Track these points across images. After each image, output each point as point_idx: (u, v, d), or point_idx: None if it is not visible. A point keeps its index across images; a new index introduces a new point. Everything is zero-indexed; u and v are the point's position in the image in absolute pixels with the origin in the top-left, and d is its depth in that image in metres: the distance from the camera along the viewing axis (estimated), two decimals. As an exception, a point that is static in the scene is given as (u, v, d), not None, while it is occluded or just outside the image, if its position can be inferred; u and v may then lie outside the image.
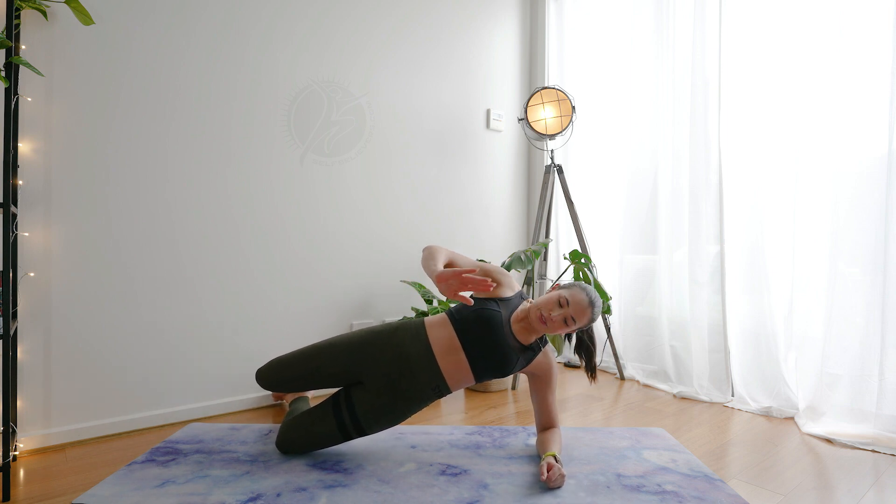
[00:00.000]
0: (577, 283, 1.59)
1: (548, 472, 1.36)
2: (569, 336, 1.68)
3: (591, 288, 1.56)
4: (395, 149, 2.61)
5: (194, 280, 2.01)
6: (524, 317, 1.57)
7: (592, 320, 1.55)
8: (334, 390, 2.07)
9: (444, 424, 1.95)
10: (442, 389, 1.57)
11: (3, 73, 1.45)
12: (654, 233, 2.67)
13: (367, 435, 1.58)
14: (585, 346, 1.66)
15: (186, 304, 2.00)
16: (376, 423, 1.55)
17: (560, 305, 1.51)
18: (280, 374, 1.62)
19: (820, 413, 1.95)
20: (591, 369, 1.67)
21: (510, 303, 1.60)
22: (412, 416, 2.03)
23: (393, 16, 2.59)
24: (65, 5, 1.68)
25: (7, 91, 1.42)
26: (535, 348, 1.60)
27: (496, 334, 1.53)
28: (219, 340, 2.07)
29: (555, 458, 1.46)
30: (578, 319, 1.51)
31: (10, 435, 1.43)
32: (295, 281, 2.27)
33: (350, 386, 1.58)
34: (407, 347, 1.55)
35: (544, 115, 2.67)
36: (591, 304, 1.53)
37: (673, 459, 1.59)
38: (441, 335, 1.56)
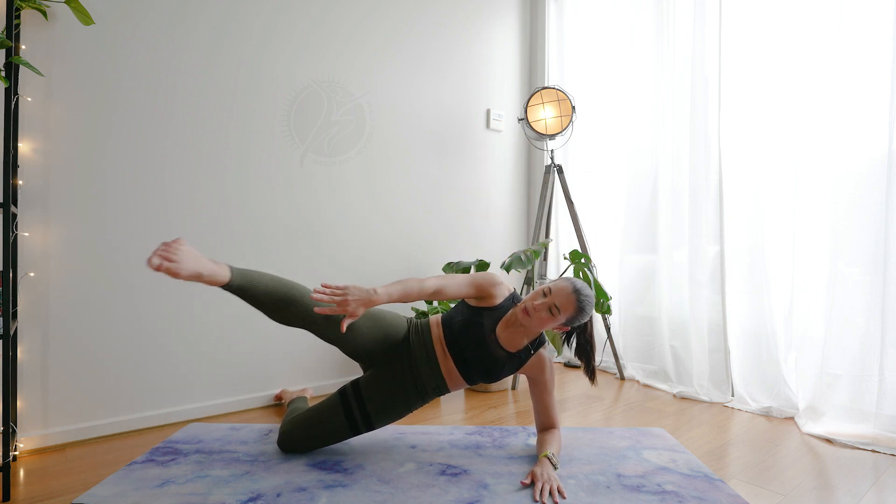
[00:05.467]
0: (565, 276, 1.58)
1: (540, 496, 1.32)
2: (568, 339, 1.66)
3: (578, 280, 1.52)
4: (395, 149, 2.61)
5: (194, 280, 2.01)
6: (512, 321, 1.54)
7: (581, 310, 1.48)
8: (332, 388, 2.07)
9: (444, 424, 1.95)
10: (441, 389, 1.59)
11: (3, 73, 1.45)
12: (654, 233, 2.67)
13: (374, 429, 1.59)
14: (584, 349, 1.62)
15: (186, 303, 2.00)
16: (384, 417, 1.57)
17: (544, 295, 1.48)
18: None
19: (820, 413, 1.95)
20: (590, 372, 1.64)
21: (496, 311, 1.56)
22: (413, 416, 2.04)
23: (393, 15, 2.59)
24: (65, 5, 1.68)
25: (7, 91, 1.42)
26: (523, 355, 1.58)
27: (478, 345, 1.53)
28: (219, 340, 2.07)
29: (548, 457, 1.46)
30: (563, 308, 1.46)
31: (10, 435, 1.43)
32: (294, 281, 2.27)
33: (356, 380, 1.60)
34: (413, 347, 1.58)
35: (544, 115, 2.67)
36: (576, 291, 1.47)
37: (673, 459, 1.59)
38: (437, 337, 1.59)
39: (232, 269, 1.43)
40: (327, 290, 1.34)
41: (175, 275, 1.29)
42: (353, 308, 1.34)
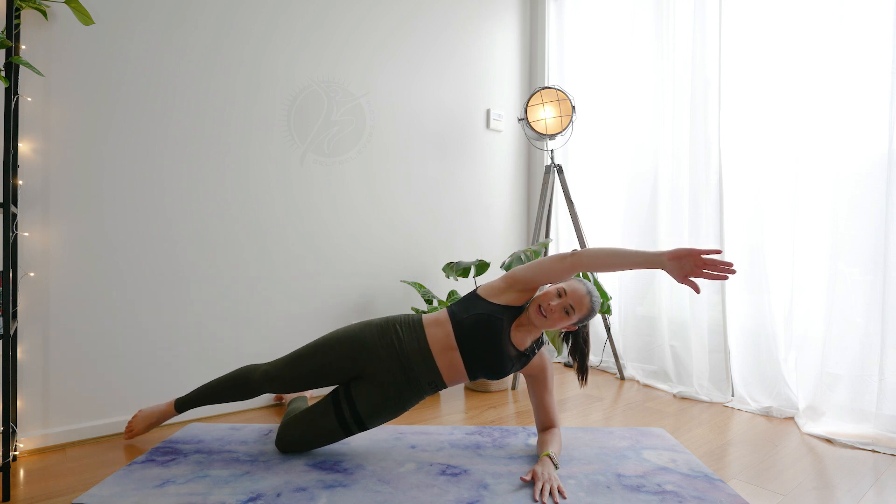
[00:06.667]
0: (574, 278, 1.60)
1: (540, 495, 1.32)
2: (566, 338, 1.68)
3: (587, 281, 1.56)
4: (394, 149, 2.61)
5: (193, 280, 2.01)
6: (524, 321, 1.57)
7: (592, 311, 1.53)
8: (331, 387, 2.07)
9: (444, 424, 1.95)
10: (438, 385, 1.59)
11: (3, 73, 1.45)
12: (654, 233, 2.66)
13: (367, 429, 1.59)
14: (580, 349, 1.66)
15: (186, 304, 2.00)
16: (376, 418, 1.56)
17: (559, 296, 1.51)
18: (284, 373, 1.60)
19: (820, 413, 1.95)
20: (583, 372, 1.68)
21: (516, 310, 1.58)
22: (412, 416, 2.04)
23: (392, 15, 2.59)
24: (65, 5, 1.68)
25: (7, 91, 1.42)
26: (530, 354, 1.60)
27: (493, 341, 1.53)
28: (218, 341, 2.07)
29: (549, 457, 1.46)
30: (578, 309, 1.50)
31: (10, 435, 1.43)
32: (294, 282, 2.27)
33: (349, 381, 1.59)
34: (405, 344, 1.56)
35: (544, 115, 2.67)
36: (589, 293, 1.52)
37: (673, 459, 1.59)
38: (438, 332, 1.57)
39: (177, 401, 1.75)
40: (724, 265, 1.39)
41: (138, 435, 1.77)
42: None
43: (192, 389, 2.00)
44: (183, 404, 1.73)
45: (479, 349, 1.54)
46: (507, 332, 1.55)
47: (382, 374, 1.55)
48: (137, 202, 1.89)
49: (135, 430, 1.74)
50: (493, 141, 3.07)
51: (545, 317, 1.49)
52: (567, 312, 1.50)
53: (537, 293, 1.57)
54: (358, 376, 1.58)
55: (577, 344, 1.66)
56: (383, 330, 1.59)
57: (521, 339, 1.57)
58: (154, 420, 1.75)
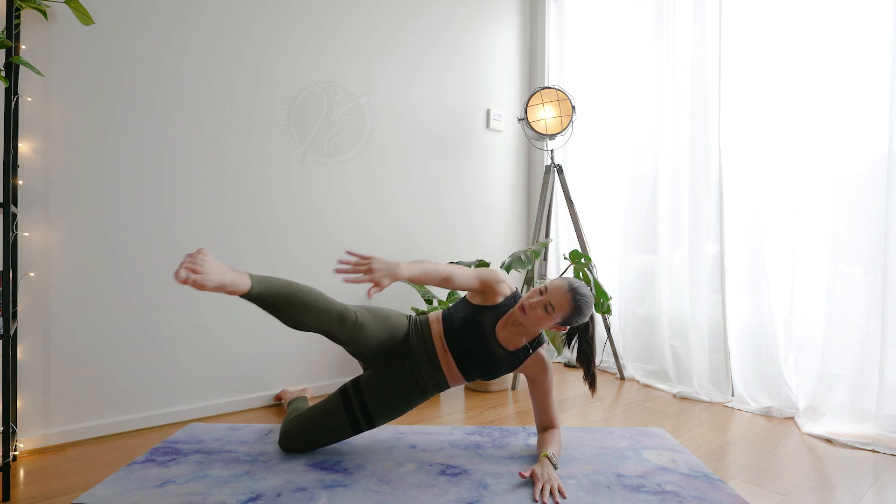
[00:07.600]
0: (563, 276, 1.58)
1: (540, 495, 1.32)
2: (569, 340, 1.66)
3: (577, 280, 1.52)
4: (394, 149, 2.61)
5: (194, 280, 2.01)
6: (511, 319, 1.55)
7: (577, 310, 1.48)
8: (332, 388, 2.07)
9: (444, 424, 1.95)
10: (441, 384, 1.61)
11: (3, 73, 1.45)
12: (654, 233, 2.67)
13: (375, 426, 1.60)
14: (584, 355, 1.61)
15: (186, 303, 2.00)
16: (386, 414, 1.58)
17: (540, 293, 1.49)
18: (370, 325, 1.52)
19: (820, 413, 1.95)
20: (590, 378, 1.61)
21: (497, 310, 1.57)
22: (412, 416, 2.04)
23: (392, 15, 2.59)
24: (65, 5, 1.68)
25: (7, 91, 1.42)
26: (521, 354, 1.58)
27: (478, 342, 1.54)
28: (219, 341, 2.07)
29: (549, 457, 1.46)
30: (558, 307, 1.46)
31: (10, 435, 1.43)
32: (308, 285, 2.27)
33: (357, 378, 1.61)
34: (415, 341, 1.59)
35: (544, 115, 2.67)
36: (572, 290, 1.47)
37: (673, 459, 1.59)
38: (437, 335, 1.60)
39: (252, 277, 1.39)
40: (352, 259, 1.36)
41: (201, 287, 1.26)
42: (379, 277, 1.36)
43: (191, 389, 2.00)
44: (258, 286, 1.39)
45: (466, 351, 1.56)
46: (492, 331, 1.56)
47: (394, 368, 1.57)
48: (137, 202, 1.89)
49: (202, 276, 1.26)
50: (493, 141, 3.07)
51: (526, 314, 1.47)
52: (546, 310, 1.46)
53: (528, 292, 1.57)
54: (376, 362, 1.59)
55: (581, 348, 1.61)
56: (412, 327, 1.62)
57: (508, 338, 1.56)
58: (227, 280, 1.31)
